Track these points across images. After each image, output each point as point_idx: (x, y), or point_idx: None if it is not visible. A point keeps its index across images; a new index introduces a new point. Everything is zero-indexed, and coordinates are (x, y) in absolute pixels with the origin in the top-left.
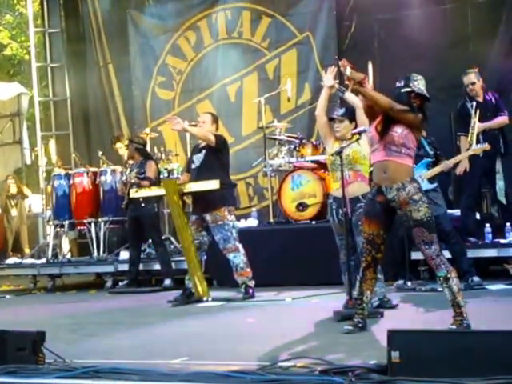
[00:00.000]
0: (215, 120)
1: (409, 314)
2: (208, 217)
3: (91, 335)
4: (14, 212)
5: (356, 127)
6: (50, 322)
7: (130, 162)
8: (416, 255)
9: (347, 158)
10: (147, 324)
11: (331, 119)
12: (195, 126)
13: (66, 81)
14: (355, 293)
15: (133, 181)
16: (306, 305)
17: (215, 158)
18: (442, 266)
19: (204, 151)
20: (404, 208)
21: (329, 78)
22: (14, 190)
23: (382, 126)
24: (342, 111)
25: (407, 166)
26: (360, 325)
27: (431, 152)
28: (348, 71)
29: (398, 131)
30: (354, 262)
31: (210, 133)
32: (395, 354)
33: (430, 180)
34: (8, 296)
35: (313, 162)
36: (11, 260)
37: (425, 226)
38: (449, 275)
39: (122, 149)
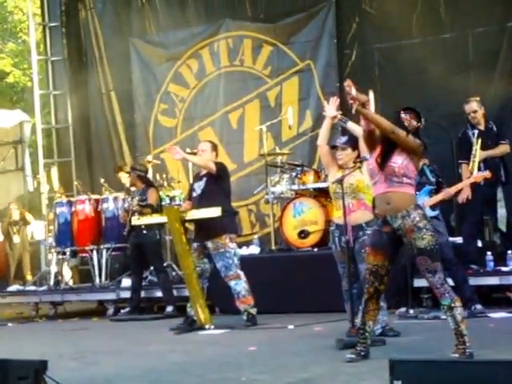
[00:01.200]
0: (215, 147)
1: (411, 342)
2: (209, 244)
3: (93, 363)
4: (16, 239)
5: (359, 156)
6: (52, 351)
7: (132, 189)
8: (418, 283)
9: (351, 186)
10: (150, 352)
11: (333, 147)
12: (195, 154)
13: (68, 108)
14: (358, 321)
15: (135, 208)
16: (308, 332)
17: (216, 185)
18: (447, 294)
19: (205, 179)
20: (409, 236)
21: (331, 109)
22: (16, 216)
23: (382, 158)
24: (344, 139)
25: (410, 195)
26: (362, 353)
27: (433, 179)
28: (353, 91)
29: (398, 162)
30: (357, 289)
31: (211, 161)
32: (397, 383)
33: (432, 207)
34: (10, 324)
35: (314, 189)
36: (13, 287)
37: (428, 255)
38: (453, 304)
39: (124, 178)
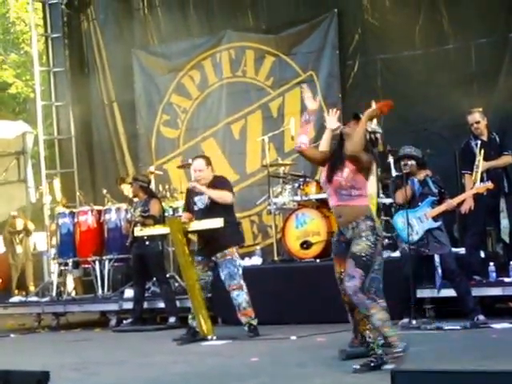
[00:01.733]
0: (209, 162)
1: (413, 353)
2: (218, 254)
3: (95, 374)
4: (19, 249)
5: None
6: (55, 361)
7: (135, 200)
8: (421, 293)
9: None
10: (152, 363)
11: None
12: (190, 165)
13: (70, 119)
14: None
15: (137, 219)
16: (310, 343)
17: None
18: (360, 304)
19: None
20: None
21: (332, 120)
22: (20, 226)
23: (327, 173)
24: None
25: (360, 207)
26: (372, 364)
27: (435, 190)
28: (308, 94)
29: (344, 175)
30: None
31: (226, 194)
32: None
33: (435, 218)
34: (12, 335)
35: (317, 200)
36: (16, 298)
37: (355, 260)
38: (368, 313)
39: (127, 189)
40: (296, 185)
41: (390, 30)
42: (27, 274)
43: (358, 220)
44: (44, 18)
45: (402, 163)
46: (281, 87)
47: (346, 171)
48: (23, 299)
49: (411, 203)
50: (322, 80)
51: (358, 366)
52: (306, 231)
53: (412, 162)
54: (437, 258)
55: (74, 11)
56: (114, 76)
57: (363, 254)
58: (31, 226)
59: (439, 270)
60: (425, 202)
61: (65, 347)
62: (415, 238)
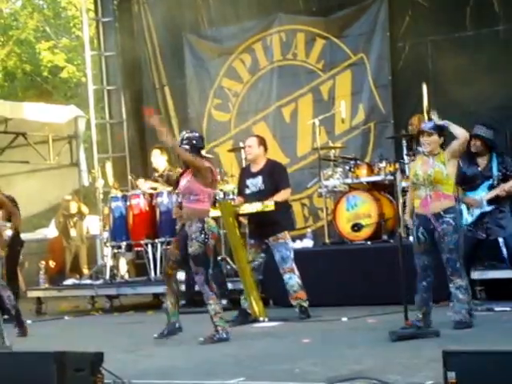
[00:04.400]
0: (261, 142)
1: (464, 334)
2: (270, 238)
3: (149, 356)
4: (73, 232)
5: (444, 143)
6: (108, 343)
7: None
8: (473, 275)
9: (428, 178)
10: (204, 344)
11: (420, 132)
12: (244, 148)
13: (122, 103)
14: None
15: None
16: (361, 325)
17: (272, 182)
18: (205, 294)
19: (260, 177)
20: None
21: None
22: (74, 209)
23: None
24: (430, 124)
25: (195, 209)
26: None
27: (497, 173)
28: (155, 121)
29: (182, 184)
30: (427, 282)
31: (286, 192)
32: (451, 375)
33: (490, 202)
34: (66, 317)
35: (368, 182)
36: (69, 281)
37: (193, 260)
38: (207, 302)
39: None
40: (347, 167)
41: (440, 12)
42: (81, 257)
43: (191, 221)
44: (95, 2)
45: (472, 143)
46: (331, 70)
47: (185, 180)
48: (77, 282)
49: (472, 184)
50: (373, 62)
51: (156, 335)
52: (357, 213)
53: (477, 143)
54: (501, 241)
55: None
56: (165, 60)
57: (196, 254)
58: (85, 209)
59: (504, 252)
60: (482, 185)
61: (118, 329)
62: (469, 220)
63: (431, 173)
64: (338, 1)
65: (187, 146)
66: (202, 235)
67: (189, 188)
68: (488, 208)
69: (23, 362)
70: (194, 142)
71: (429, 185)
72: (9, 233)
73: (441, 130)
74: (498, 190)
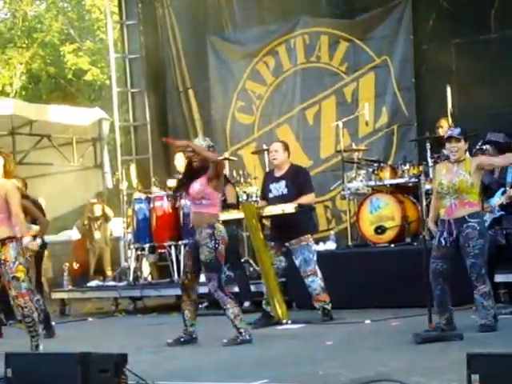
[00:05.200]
0: (286, 147)
1: (488, 337)
2: (292, 240)
3: (172, 357)
4: (97, 234)
5: (468, 149)
6: (132, 344)
7: None
8: (496, 278)
9: (453, 186)
10: (227, 346)
11: (447, 138)
12: (267, 150)
13: (146, 106)
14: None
15: None
16: (385, 327)
17: (295, 187)
18: (220, 299)
19: (283, 181)
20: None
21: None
22: (98, 211)
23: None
24: (458, 130)
25: (207, 214)
26: (182, 339)
27: (510, 180)
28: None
29: (195, 188)
30: (440, 290)
31: (311, 196)
32: (475, 377)
33: (503, 208)
34: (90, 318)
35: (391, 185)
36: (93, 283)
37: (205, 266)
38: (224, 307)
39: None
40: (370, 170)
41: (464, 14)
42: (105, 259)
43: (201, 227)
44: (119, 5)
45: (484, 147)
46: (355, 72)
47: (198, 184)
48: (101, 284)
49: (489, 192)
50: (396, 65)
51: (171, 341)
52: (381, 216)
53: (488, 147)
54: None
55: None
56: (189, 62)
57: (208, 260)
58: (110, 212)
59: None
60: (498, 192)
61: (141, 331)
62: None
63: (456, 182)
64: (362, 3)
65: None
66: (212, 241)
67: (203, 192)
68: (498, 214)
69: (48, 363)
70: (211, 149)
71: (453, 193)
72: (38, 240)
73: (466, 135)
74: (504, 198)
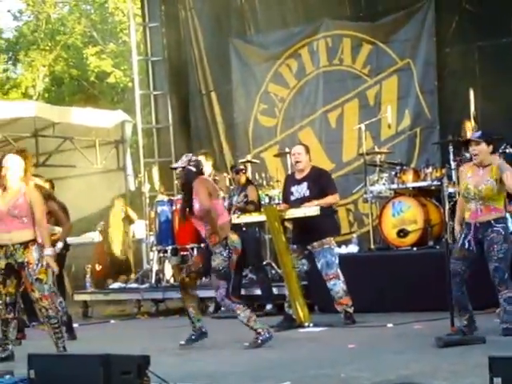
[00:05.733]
0: (308, 150)
1: (510, 340)
2: (314, 243)
3: (195, 359)
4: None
5: (494, 152)
6: (154, 347)
7: (231, 187)
8: None
9: (479, 193)
10: (250, 349)
11: (468, 141)
12: (289, 153)
13: (168, 108)
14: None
15: (239, 205)
16: (407, 331)
17: (318, 188)
18: (229, 307)
19: (305, 183)
20: None
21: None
22: (122, 214)
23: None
24: (478, 134)
25: (217, 225)
26: (193, 337)
27: None
28: None
29: (196, 208)
30: (461, 291)
31: (334, 197)
32: (497, 381)
33: None
34: (112, 321)
35: (414, 188)
36: (116, 285)
37: (215, 274)
38: (235, 314)
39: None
40: (393, 173)
41: (487, 17)
42: (127, 262)
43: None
44: (142, 7)
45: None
46: (378, 75)
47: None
48: (123, 286)
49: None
50: (419, 68)
51: (184, 342)
52: (403, 219)
53: (510, 150)
54: None
55: (171, 1)
56: (212, 65)
57: (220, 268)
58: (133, 215)
59: None
60: None
61: (164, 333)
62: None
63: (482, 189)
64: (385, 6)
65: (194, 168)
66: (226, 250)
67: (203, 210)
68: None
69: (71, 365)
70: (201, 166)
71: (479, 199)
72: (59, 245)
73: (489, 138)
74: None
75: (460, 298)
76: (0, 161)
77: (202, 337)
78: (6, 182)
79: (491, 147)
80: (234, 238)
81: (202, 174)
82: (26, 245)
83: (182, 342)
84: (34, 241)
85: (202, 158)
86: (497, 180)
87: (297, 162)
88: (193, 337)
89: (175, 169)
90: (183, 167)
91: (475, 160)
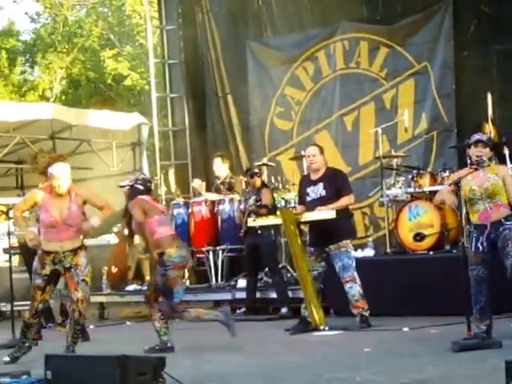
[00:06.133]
0: (322, 151)
1: None
2: (331, 246)
3: (210, 361)
4: (137, 239)
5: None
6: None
7: (247, 190)
8: None
9: (486, 191)
10: (264, 352)
11: (475, 142)
12: (306, 157)
13: (185, 111)
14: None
15: (251, 208)
16: (423, 335)
17: (333, 189)
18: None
19: (321, 184)
20: None
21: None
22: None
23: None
24: (487, 136)
25: (151, 241)
26: (157, 347)
27: None
28: None
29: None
30: (485, 296)
31: (349, 198)
32: None
33: None
34: (128, 322)
35: (430, 192)
36: (132, 287)
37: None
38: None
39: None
40: (409, 177)
41: (506, 20)
42: (143, 264)
43: None
44: (159, 10)
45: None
46: (394, 78)
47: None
48: (139, 288)
49: None
50: (436, 71)
51: (147, 348)
52: (420, 223)
53: None
54: None
55: (188, 3)
56: (228, 67)
57: (155, 283)
58: None
59: None
60: None
61: (179, 335)
62: None
63: (488, 186)
64: (403, 9)
65: (141, 187)
66: (162, 267)
67: (142, 226)
68: None
69: (87, 366)
70: (148, 184)
71: (487, 198)
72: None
73: (491, 143)
74: None
75: (484, 302)
76: (45, 168)
77: (168, 350)
78: (58, 189)
79: (491, 153)
80: (172, 252)
81: (149, 192)
82: (75, 251)
83: (146, 348)
84: (82, 246)
85: (218, 160)
86: (498, 175)
87: (311, 162)
88: (156, 347)
89: (123, 187)
90: (131, 185)
91: (475, 160)
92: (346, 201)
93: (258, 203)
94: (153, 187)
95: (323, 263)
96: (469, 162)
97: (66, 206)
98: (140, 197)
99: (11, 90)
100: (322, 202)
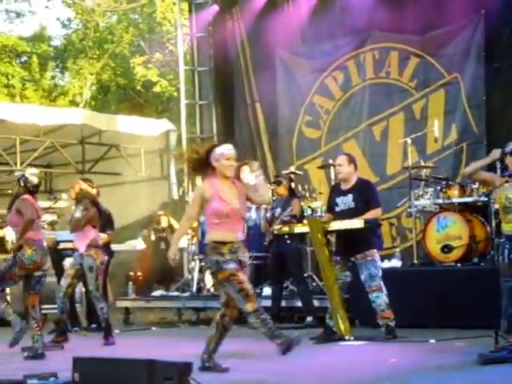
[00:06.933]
0: (351, 160)
1: None
2: (357, 255)
3: (234, 368)
4: (162, 245)
5: None
6: (195, 354)
7: (273, 198)
8: None
9: None
10: (289, 360)
11: (505, 154)
12: (334, 166)
13: (213, 118)
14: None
15: (285, 218)
16: (449, 347)
17: (362, 200)
18: None
19: (351, 195)
20: None
21: (496, 152)
22: (164, 223)
23: None
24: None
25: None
26: None
27: None
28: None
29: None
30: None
31: (377, 211)
32: None
33: None
34: (153, 328)
35: (459, 203)
36: (157, 293)
37: None
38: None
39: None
40: (438, 187)
41: None
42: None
43: None
44: (189, 17)
45: None
46: (425, 89)
47: None
48: (164, 294)
49: None
50: (467, 82)
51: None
52: (448, 235)
53: None
54: None
55: (219, 11)
56: (257, 75)
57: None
58: (176, 224)
59: None
60: None
61: (205, 341)
62: None
63: None
64: (434, 19)
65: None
66: (12, 259)
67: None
68: None
69: (115, 369)
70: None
71: None
72: (105, 258)
73: None
74: None
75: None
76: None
77: (38, 357)
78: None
79: None
80: (28, 252)
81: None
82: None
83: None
84: None
85: (246, 168)
86: None
87: (338, 172)
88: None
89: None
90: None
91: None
92: (373, 214)
93: (290, 213)
94: None
95: (348, 272)
96: (499, 171)
97: (240, 198)
98: (24, 196)
99: (41, 94)
100: (350, 213)
